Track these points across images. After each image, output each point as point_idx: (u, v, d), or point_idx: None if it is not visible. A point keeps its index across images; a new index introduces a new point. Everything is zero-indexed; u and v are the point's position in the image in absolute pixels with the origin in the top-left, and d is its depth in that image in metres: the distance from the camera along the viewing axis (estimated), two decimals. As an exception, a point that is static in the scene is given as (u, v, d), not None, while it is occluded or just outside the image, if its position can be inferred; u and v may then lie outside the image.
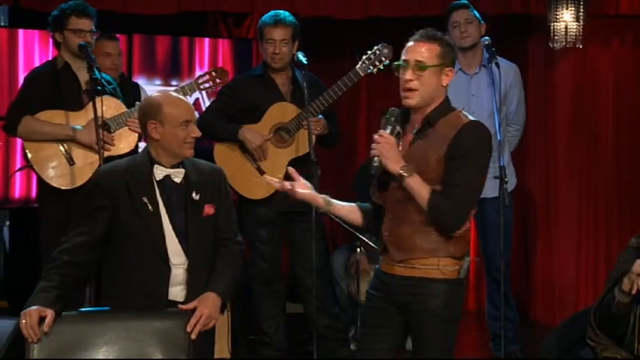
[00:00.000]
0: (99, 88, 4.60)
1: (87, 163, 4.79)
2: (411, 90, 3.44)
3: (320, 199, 3.64)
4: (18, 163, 5.69)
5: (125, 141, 4.90)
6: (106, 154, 4.63)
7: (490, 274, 5.49)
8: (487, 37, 5.22)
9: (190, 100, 6.13)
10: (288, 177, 5.00)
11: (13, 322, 3.60)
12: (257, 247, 5.21)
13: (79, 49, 4.78)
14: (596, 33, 6.23)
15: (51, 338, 3.38)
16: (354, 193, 5.32)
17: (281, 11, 5.17)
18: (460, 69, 5.39)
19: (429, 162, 3.43)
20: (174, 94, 3.77)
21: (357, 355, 3.77)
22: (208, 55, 6.49)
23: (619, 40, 6.44)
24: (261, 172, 5.09)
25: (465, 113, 3.52)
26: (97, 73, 4.65)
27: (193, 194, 3.63)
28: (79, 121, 4.84)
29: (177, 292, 3.61)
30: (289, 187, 3.60)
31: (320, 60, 5.98)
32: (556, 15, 5.85)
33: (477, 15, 5.37)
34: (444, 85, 3.49)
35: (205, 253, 3.66)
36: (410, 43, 3.50)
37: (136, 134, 4.82)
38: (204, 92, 5.89)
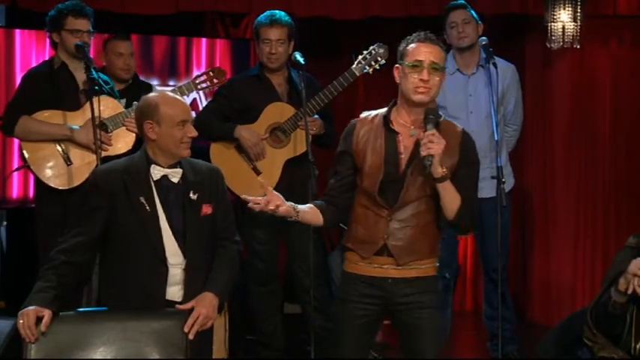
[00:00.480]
0: (96, 88, 4.60)
1: (84, 163, 4.79)
2: (425, 87, 3.48)
3: (290, 208, 3.64)
4: (15, 163, 5.68)
5: (122, 141, 4.89)
6: (104, 154, 4.62)
7: (487, 274, 5.49)
8: (484, 38, 5.22)
9: (188, 100, 6.15)
10: (284, 177, 5.07)
11: (11, 322, 3.59)
12: (254, 248, 5.21)
13: (76, 49, 4.78)
14: (593, 33, 6.23)
15: (48, 338, 3.38)
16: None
17: (277, 11, 5.17)
18: (458, 69, 5.40)
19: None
20: (171, 94, 3.77)
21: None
22: (206, 55, 6.49)
23: (617, 41, 6.44)
24: (258, 172, 5.09)
25: (448, 118, 3.69)
26: (94, 73, 4.65)
27: (191, 194, 3.63)
28: (77, 121, 4.84)
29: (174, 291, 3.61)
30: (273, 207, 3.56)
31: (318, 60, 5.98)
32: (553, 15, 5.85)
33: (475, 15, 5.36)
34: (441, 87, 3.59)
35: (203, 252, 3.66)
36: (415, 45, 3.53)
37: (134, 134, 4.82)
38: (201, 92, 5.89)
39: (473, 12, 5.37)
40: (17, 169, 5.40)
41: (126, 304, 3.58)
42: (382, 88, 6.62)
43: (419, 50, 3.52)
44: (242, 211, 5.25)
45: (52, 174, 4.81)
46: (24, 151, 4.84)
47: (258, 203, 3.54)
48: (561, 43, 5.88)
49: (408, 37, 3.60)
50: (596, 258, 6.46)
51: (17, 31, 5.98)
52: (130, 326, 3.45)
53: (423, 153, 3.42)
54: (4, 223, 6.22)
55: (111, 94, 4.98)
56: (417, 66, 3.49)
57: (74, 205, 4.31)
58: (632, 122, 6.42)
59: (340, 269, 3.75)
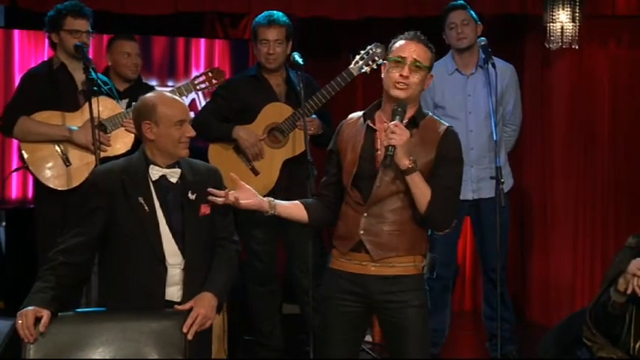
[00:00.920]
0: (95, 88, 4.60)
1: (83, 164, 4.79)
2: (405, 83, 3.50)
3: (265, 202, 3.66)
4: (14, 163, 5.68)
5: (121, 141, 4.89)
6: (102, 154, 4.63)
7: (486, 274, 5.49)
8: (483, 38, 5.23)
9: (186, 100, 6.15)
10: (282, 177, 5.07)
11: (10, 323, 3.59)
12: (253, 248, 5.21)
13: (75, 49, 4.78)
14: (592, 33, 6.23)
15: (47, 338, 3.38)
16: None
17: (274, 12, 5.17)
18: (456, 69, 5.40)
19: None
20: (169, 94, 3.77)
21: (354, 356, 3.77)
22: (204, 55, 6.49)
23: (615, 41, 6.44)
24: (256, 173, 5.09)
25: (437, 117, 3.68)
26: (93, 73, 4.65)
27: (189, 194, 3.63)
28: (75, 121, 4.84)
29: (173, 292, 3.61)
30: (233, 199, 3.60)
31: (317, 60, 5.98)
32: (552, 15, 5.85)
33: (474, 16, 5.36)
34: (424, 89, 3.62)
35: (202, 253, 3.65)
36: (403, 42, 3.57)
37: (133, 135, 4.82)
38: (200, 93, 5.88)
39: (472, 12, 5.37)
40: (16, 170, 5.40)
41: (125, 304, 3.58)
42: (380, 88, 6.62)
43: (403, 47, 3.55)
44: (240, 211, 5.26)
45: (51, 174, 4.81)
46: (23, 152, 4.84)
47: (222, 197, 3.58)
48: (560, 44, 5.88)
49: (399, 36, 3.62)
50: (595, 258, 6.46)
51: (16, 32, 5.99)
52: (129, 326, 3.45)
53: (385, 143, 3.44)
54: (4, 223, 6.22)
55: (110, 94, 4.98)
56: (399, 62, 3.52)
57: (73, 206, 4.31)
58: (631, 122, 6.42)
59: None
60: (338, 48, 6.66)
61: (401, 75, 3.50)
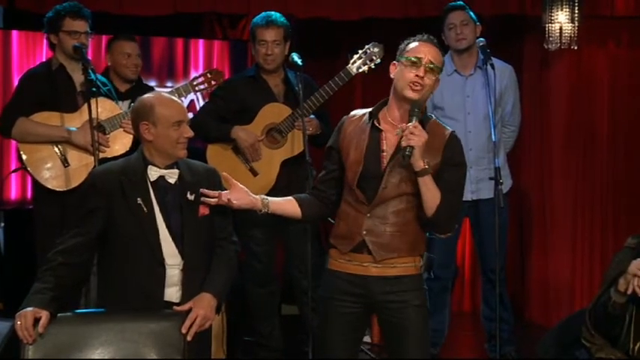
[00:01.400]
0: (94, 89, 4.60)
1: (82, 165, 4.79)
2: (420, 84, 3.51)
3: (257, 201, 3.67)
4: (13, 164, 5.68)
5: (120, 142, 4.89)
6: (101, 155, 4.63)
7: (485, 274, 5.49)
8: (482, 39, 5.22)
9: (185, 101, 6.15)
10: (280, 177, 5.07)
11: (9, 324, 3.59)
12: (252, 249, 5.20)
13: (74, 50, 4.79)
14: (591, 34, 6.23)
15: (46, 339, 3.38)
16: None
17: (272, 12, 5.17)
18: (455, 70, 5.40)
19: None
20: (167, 94, 3.78)
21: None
22: (203, 56, 6.49)
23: (614, 41, 6.45)
24: (255, 173, 5.09)
25: (440, 120, 3.72)
26: (91, 74, 4.65)
27: (188, 194, 3.63)
28: (74, 122, 4.84)
29: (172, 292, 3.61)
30: (226, 200, 3.60)
31: (316, 61, 5.98)
32: (551, 16, 5.86)
33: (473, 16, 5.36)
34: (433, 92, 3.65)
35: (201, 253, 3.65)
36: (417, 44, 3.58)
37: (131, 136, 4.82)
38: (199, 94, 5.89)
39: (471, 13, 5.37)
40: (15, 171, 5.40)
41: (124, 304, 3.58)
42: (379, 88, 6.60)
43: (419, 49, 3.56)
44: (239, 212, 5.25)
45: (50, 175, 4.81)
46: (21, 153, 4.84)
47: (215, 197, 3.59)
48: (559, 44, 5.88)
49: (410, 37, 3.64)
50: (594, 258, 6.46)
51: (15, 33, 5.98)
52: (128, 327, 3.45)
53: (404, 143, 3.44)
54: (2, 224, 6.22)
55: (108, 95, 4.98)
56: (415, 62, 3.52)
57: (72, 207, 4.32)
58: (630, 123, 6.42)
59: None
60: (337, 48, 6.66)
61: (417, 75, 3.51)
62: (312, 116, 5.06)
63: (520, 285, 6.72)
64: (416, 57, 3.53)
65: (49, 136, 4.81)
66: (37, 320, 3.37)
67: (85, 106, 4.60)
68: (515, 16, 6.32)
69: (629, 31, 6.40)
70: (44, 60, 5.35)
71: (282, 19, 5.15)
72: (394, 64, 3.61)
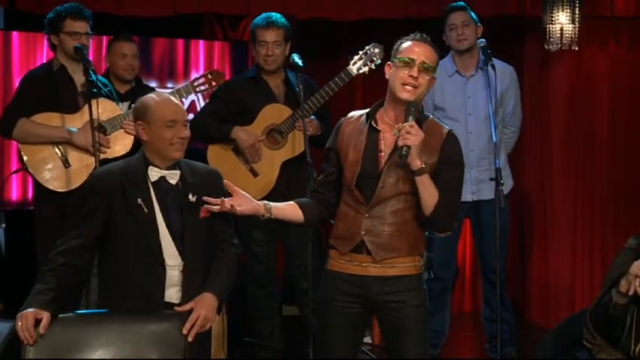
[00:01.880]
0: (94, 90, 4.60)
1: (82, 166, 4.79)
2: (414, 86, 3.51)
3: (260, 207, 3.66)
4: (14, 165, 5.68)
5: (121, 143, 4.89)
6: (102, 156, 4.62)
7: (486, 275, 5.49)
8: (483, 40, 5.22)
9: (186, 102, 6.15)
10: (281, 178, 5.07)
11: (9, 325, 3.59)
12: (252, 250, 5.21)
13: (75, 51, 4.78)
14: (591, 35, 6.23)
15: (47, 340, 3.38)
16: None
17: (273, 13, 5.18)
18: (456, 71, 5.40)
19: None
20: (165, 95, 3.77)
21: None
22: (204, 57, 6.48)
23: (614, 42, 6.44)
24: (255, 174, 5.10)
25: (437, 119, 3.70)
26: (92, 75, 4.65)
27: (190, 196, 3.63)
28: (75, 123, 4.84)
29: (172, 293, 3.61)
30: (229, 206, 3.59)
31: (317, 62, 5.98)
32: (551, 17, 5.86)
33: (474, 17, 5.36)
34: (428, 91, 3.62)
35: (201, 254, 3.65)
36: (410, 43, 3.58)
37: (132, 137, 4.82)
38: (199, 95, 5.89)
39: (472, 14, 5.36)
40: (16, 172, 5.39)
41: (124, 305, 3.58)
42: (379, 88, 6.60)
43: (412, 48, 3.56)
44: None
45: (51, 176, 4.81)
46: (22, 154, 4.84)
47: (217, 204, 3.59)
48: (559, 45, 5.88)
49: (404, 37, 3.63)
50: (595, 259, 6.46)
51: (15, 34, 5.98)
52: (129, 328, 3.45)
53: (400, 143, 3.44)
54: (3, 225, 6.22)
55: (109, 96, 4.98)
56: (408, 63, 3.52)
57: (72, 207, 4.31)
58: (630, 123, 6.42)
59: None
60: (338, 49, 6.66)
61: (410, 75, 3.51)
62: (312, 117, 5.06)
63: (521, 286, 6.71)
64: (409, 57, 3.53)
65: (49, 136, 4.81)
66: (38, 321, 3.37)
67: (86, 106, 4.60)
68: (516, 17, 6.32)
69: (630, 31, 6.40)
70: (45, 61, 5.35)
71: (283, 20, 5.16)
72: (389, 64, 3.62)
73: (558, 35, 5.87)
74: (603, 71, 6.43)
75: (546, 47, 5.92)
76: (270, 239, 5.23)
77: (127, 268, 3.58)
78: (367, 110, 3.66)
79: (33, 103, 4.82)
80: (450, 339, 5.68)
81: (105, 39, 5.68)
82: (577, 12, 5.81)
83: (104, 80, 5.07)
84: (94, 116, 4.54)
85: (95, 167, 4.43)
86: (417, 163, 3.46)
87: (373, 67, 4.96)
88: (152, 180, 3.62)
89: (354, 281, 3.59)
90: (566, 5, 5.81)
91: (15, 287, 5.73)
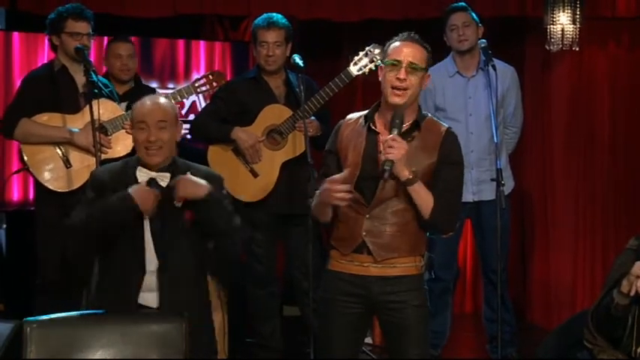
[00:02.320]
0: (96, 91, 4.61)
1: (84, 166, 4.79)
2: (403, 89, 3.50)
3: None
4: (15, 165, 5.68)
5: (122, 144, 4.89)
6: (103, 156, 4.63)
7: (487, 276, 5.49)
8: (484, 40, 5.22)
9: (187, 102, 6.15)
10: (281, 178, 5.07)
11: (10, 325, 3.59)
12: (253, 250, 5.20)
13: (76, 52, 4.79)
14: (592, 35, 6.23)
15: (48, 341, 3.37)
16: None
17: (274, 14, 5.18)
18: (457, 72, 5.40)
19: (419, 164, 3.52)
20: (153, 96, 3.74)
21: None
22: (205, 57, 6.48)
23: (615, 42, 6.44)
24: (255, 175, 5.09)
25: (435, 118, 3.69)
26: (93, 76, 4.65)
27: (175, 202, 3.58)
28: (76, 123, 4.84)
29: (151, 298, 3.60)
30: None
31: (318, 62, 5.98)
32: (552, 17, 5.86)
33: (475, 18, 5.36)
34: (423, 89, 3.62)
35: (184, 262, 3.61)
36: (398, 44, 3.58)
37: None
38: (201, 95, 5.89)
39: (473, 14, 5.36)
40: (17, 172, 5.40)
41: (101, 303, 3.58)
42: (380, 89, 6.62)
43: (399, 50, 3.55)
44: (239, 214, 5.25)
45: (52, 176, 4.82)
46: (24, 154, 4.85)
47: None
48: (560, 46, 5.88)
49: (394, 38, 3.62)
50: (596, 259, 6.46)
51: (16, 34, 5.98)
52: (130, 329, 3.44)
53: (382, 157, 3.43)
54: (4, 225, 6.21)
55: (110, 97, 4.98)
56: (395, 65, 3.52)
57: (73, 208, 4.31)
58: (631, 123, 6.42)
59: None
60: (339, 50, 6.66)
61: (397, 78, 3.50)
62: (312, 118, 5.06)
63: (521, 286, 6.71)
64: (396, 59, 3.53)
65: (51, 137, 4.81)
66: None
67: (87, 107, 4.61)
68: (516, 17, 6.31)
69: (630, 32, 6.40)
70: (46, 61, 5.35)
71: (284, 20, 5.16)
72: (380, 67, 3.63)
73: (559, 36, 5.87)
74: (604, 72, 6.43)
75: (547, 48, 5.92)
76: (271, 240, 5.23)
77: (108, 266, 3.59)
78: (365, 112, 3.66)
79: (34, 103, 4.83)
80: (451, 339, 5.68)
81: (106, 39, 5.67)
82: (578, 12, 5.81)
83: (105, 81, 5.07)
84: (95, 117, 4.54)
85: (96, 167, 4.44)
86: (404, 174, 3.46)
87: (373, 68, 4.96)
88: (139, 180, 3.59)
89: (355, 281, 3.59)
90: (567, 6, 5.81)
91: (15, 288, 5.73)
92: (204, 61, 6.46)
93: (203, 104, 6.09)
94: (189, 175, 3.52)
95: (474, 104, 5.35)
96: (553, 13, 5.85)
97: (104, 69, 5.52)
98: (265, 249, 5.21)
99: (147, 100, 3.66)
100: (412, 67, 3.51)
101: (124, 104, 5.13)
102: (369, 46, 5.01)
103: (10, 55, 5.94)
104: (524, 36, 6.57)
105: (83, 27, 4.85)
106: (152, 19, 5.98)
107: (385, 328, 3.70)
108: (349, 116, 3.74)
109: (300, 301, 5.29)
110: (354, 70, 5.00)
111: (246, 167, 5.11)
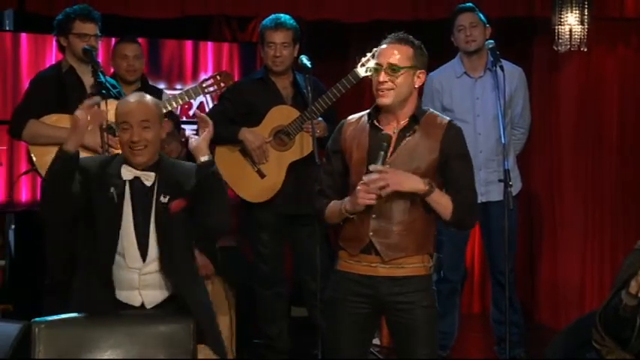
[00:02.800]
0: (103, 91, 4.61)
1: (91, 167, 4.79)
2: (385, 90, 3.53)
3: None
4: (23, 166, 5.69)
5: (129, 144, 4.89)
6: (110, 157, 4.62)
7: (495, 277, 5.48)
8: (491, 41, 5.22)
9: (195, 103, 6.15)
10: (288, 179, 5.08)
11: (19, 326, 3.60)
12: (259, 251, 5.21)
13: (84, 53, 4.79)
14: (600, 36, 6.22)
15: (56, 341, 3.38)
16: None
17: (282, 15, 5.18)
18: (465, 72, 5.39)
19: (422, 160, 3.53)
20: (137, 95, 3.73)
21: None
22: (212, 58, 6.49)
23: (623, 43, 6.43)
24: (262, 175, 5.10)
25: (437, 112, 3.69)
26: (101, 76, 4.66)
27: (162, 197, 3.59)
28: (84, 124, 4.84)
29: (134, 296, 3.60)
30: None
31: (326, 63, 5.98)
32: (560, 18, 5.85)
33: (483, 18, 5.36)
34: (417, 86, 3.60)
35: (171, 257, 3.60)
36: (382, 47, 3.60)
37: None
38: (208, 96, 5.89)
39: (481, 15, 5.36)
40: (25, 173, 5.40)
41: (80, 294, 3.58)
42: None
43: (381, 53, 3.59)
44: (246, 214, 5.27)
45: (60, 177, 4.81)
46: (32, 155, 4.85)
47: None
48: (568, 46, 5.87)
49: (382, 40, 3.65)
50: (604, 260, 6.45)
51: (24, 35, 5.99)
52: (137, 329, 3.46)
53: (382, 194, 3.43)
54: (13, 226, 6.23)
55: (118, 97, 4.98)
56: (377, 69, 3.56)
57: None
58: (639, 124, 6.41)
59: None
60: (346, 51, 6.66)
61: (378, 81, 3.54)
62: (319, 118, 5.06)
63: (530, 287, 6.70)
64: (377, 63, 3.57)
65: (59, 138, 4.79)
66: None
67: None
68: (524, 18, 6.31)
69: (639, 32, 6.39)
70: (53, 62, 5.36)
71: (292, 21, 5.16)
72: None
73: (567, 36, 5.86)
74: (612, 72, 6.42)
75: (555, 48, 5.91)
76: (277, 240, 5.23)
77: (89, 259, 3.59)
78: (368, 111, 3.67)
79: (42, 104, 4.83)
80: (459, 340, 5.68)
81: (113, 41, 5.68)
82: (586, 13, 5.81)
83: (113, 82, 5.07)
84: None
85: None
86: (420, 188, 3.47)
87: (381, 69, 4.95)
88: (124, 178, 3.59)
89: (363, 281, 3.59)
90: (575, 6, 5.81)
91: (24, 288, 5.74)
92: (211, 62, 6.46)
93: (211, 105, 6.10)
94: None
95: (481, 105, 5.34)
96: (561, 14, 5.85)
97: (111, 70, 5.52)
98: (271, 249, 5.21)
99: (130, 99, 3.66)
100: (392, 69, 3.53)
101: (131, 104, 5.13)
102: (376, 47, 5.00)
103: (18, 56, 5.95)
104: (532, 36, 6.56)
105: (91, 28, 4.86)
106: (160, 20, 5.98)
107: (393, 329, 3.70)
108: (351, 116, 3.75)
109: (308, 302, 5.29)
110: (361, 71, 5.00)
111: (253, 168, 5.12)
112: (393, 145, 3.55)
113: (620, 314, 3.55)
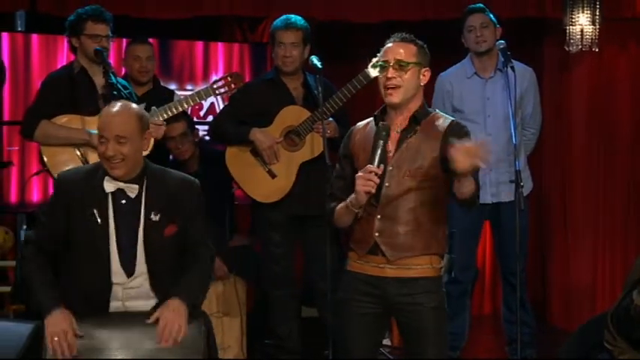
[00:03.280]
0: (115, 92, 4.62)
1: (102, 168, 4.80)
2: (393, 87, 3.53)
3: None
4: (34, 167, 5.71)
5: (141, 145, 4.90)
6: (121, 157, 4.63)
7: (506, 278, 5.47)
8: (502, 41, 5.21)
9: (206, 104, 6.16)
10: (299, 179, 5.08)
11: (31, 326, 3.60)
12: (270, 251, 5.21)
13: (95, 54, 4.80)
14: (611, 36, 6.21)
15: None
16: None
17: (292, 15, 5.18)
18: (475, 73, 5.38)
19: (424, 159, 3.52)
20: (119, 105, 3.62)
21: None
22: (223, 59, 6.50)
23: (635, 43, 6.42)
24: (273, 175, 5.10)
25: (442, 113, 3.67)
26: (112, 77, 4.67)
27: (152, 215, 3.54)
28: (95, 125, 4.84)
29: (118, 306, 3.57)
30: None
31: (338, 64, 5.98)
32: (572, 18, 5.84)
33: (493, 19, 5.35)
34: (422, 84, 3.61)
35: (160, 273, 3.57)
36: (387, 46, 3.61)
37: (152, 139, 4.82)
38: (219, 97, 5.90)
39: (491, 15, 5.35)
40: (37, 173, 5.42)
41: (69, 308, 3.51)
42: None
43: (386, 51, 3.60)
44: (257, 214, 5.27)
45: (71, 178, 4.83)
46: (43, 156, 4.86)
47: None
48: (579, 46, 5.86)
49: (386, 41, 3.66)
50: (616, 261, 6.43)
51: (35, 36, 6.02)
52: (148, 329, 3.46)
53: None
54: (24, 226, 6.25)
55: (129, 98, 4.98)
56: (383, 67, 3.56)
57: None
58: (651, 125, 6.41)
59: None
60: (357, 51, 6.65)
61: (387, 78, 3.53)
62: (330, 119, 5.06)
63: (541, 288, 6.69)
64: (383, 61, 3.57)
65: (70, 138, 4.83)
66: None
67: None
68: (535, 18, 6.30)
69: (650, 33, 6.38)
70: (65, 63, 5.38)
71: (302, 22, 5.16)
72: None
73: (578, 36, 5.85)
74: (624, 72, 6.41)
75: (566, 48, 5.90)
76: (288, 240, 5.23)
77: (75, 276, 3.53)
78: (374, 114, 3.67)
79: (54, 105, 4.84)
80: (470, 341, 5.66)
81: (125, 41, 5.70)
82: (597, 13, 5.80)
83: (124, 82, 5.08)
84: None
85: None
86: (467, 171, 3.34)
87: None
88: (106, 191, 3.52)
89: (372, 282, 3.58)
90: (587, 6, 5.80)
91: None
92: (222, 63, 6.48)
93: (222, 106, 6.11)
94: (170, 319, 3.43)
95: (492, 105, 5.33)
96: (572, 14, 5.83)
97: (123, 70, 5.54)
98: (282, 250, 5.21)
99: (112, 109, 3.56)
100: (400, 65, 3.53)
101: (142, 106, 5.13)
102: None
103: (29, 57, 5.97)
104: (543, 37, 6.55)
105: (102, 29, 4.87)
106: (171, 21, 5.99)
107: (403, 330, 3.70)
108: (359, 123, 3.76)
109: (318, 303, 5.29)
110: (372, 71, 4.97)
111: (264, 168, 5.12)
112: (395, 144, 3.55)
113: (632, 315, 3.54)
